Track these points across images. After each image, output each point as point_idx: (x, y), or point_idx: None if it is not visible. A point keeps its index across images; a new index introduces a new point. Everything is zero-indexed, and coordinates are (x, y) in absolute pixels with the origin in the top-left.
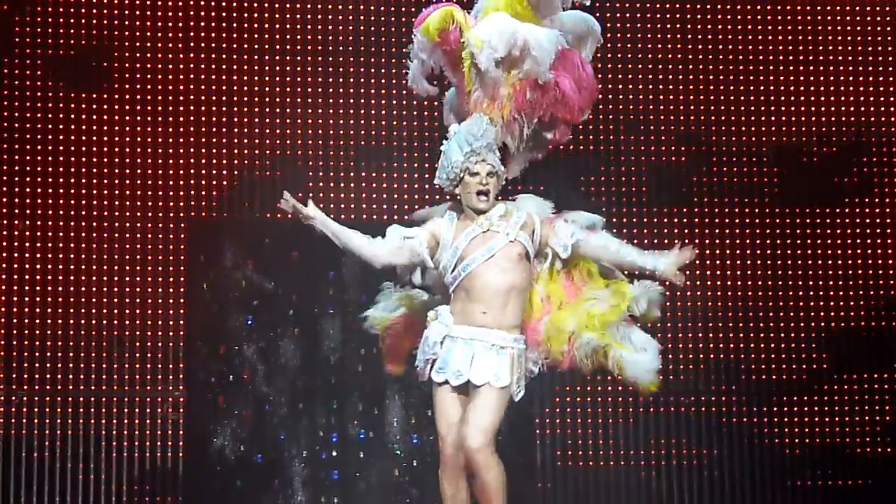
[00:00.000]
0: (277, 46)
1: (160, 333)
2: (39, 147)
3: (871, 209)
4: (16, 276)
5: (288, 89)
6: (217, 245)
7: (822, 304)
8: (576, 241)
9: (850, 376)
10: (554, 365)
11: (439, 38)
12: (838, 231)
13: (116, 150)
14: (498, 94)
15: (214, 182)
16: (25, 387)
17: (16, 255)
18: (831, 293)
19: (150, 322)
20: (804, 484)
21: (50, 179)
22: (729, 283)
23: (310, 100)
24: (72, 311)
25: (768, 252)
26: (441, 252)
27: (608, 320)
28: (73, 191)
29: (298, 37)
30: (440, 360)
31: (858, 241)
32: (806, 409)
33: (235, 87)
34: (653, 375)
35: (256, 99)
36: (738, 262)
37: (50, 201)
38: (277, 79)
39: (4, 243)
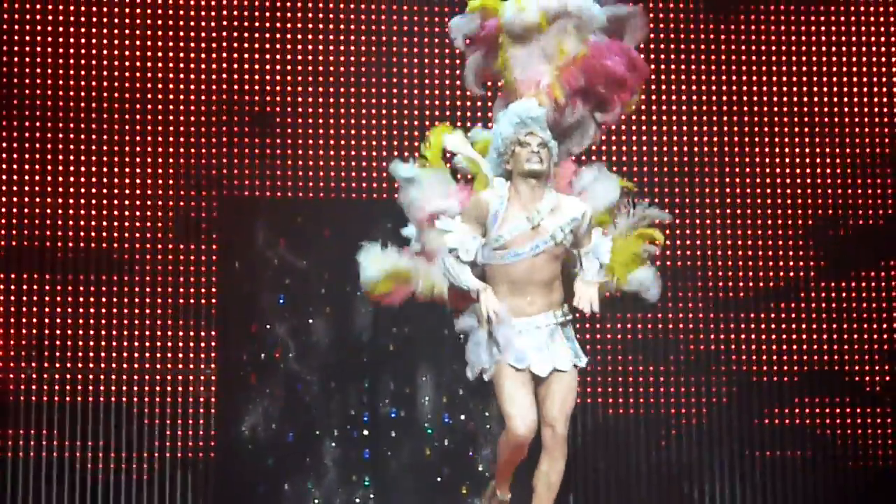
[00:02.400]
0: (311, 26)
1: (192, 311)
2: (82, 115)
3: None
4: (47, 256)
5: (321, 68)
6: (250, 224)
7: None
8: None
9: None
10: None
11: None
12: None
13: (150, 128)
14: (542, 81)
15: (247, 160)
16: (57, 364)
17: (51, 229)
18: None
19: (182, 300)
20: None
21: (83, 158)
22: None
23: (342, 79)
24: (104, 289)
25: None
26: (489, 227)
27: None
28: (105, 169)
29: (331, 15)
30: (513, 354)
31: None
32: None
33: (268, 67)
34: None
35: (289, 78)
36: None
37: (83, 179)
38: (310, 58)
39: (37, 221)
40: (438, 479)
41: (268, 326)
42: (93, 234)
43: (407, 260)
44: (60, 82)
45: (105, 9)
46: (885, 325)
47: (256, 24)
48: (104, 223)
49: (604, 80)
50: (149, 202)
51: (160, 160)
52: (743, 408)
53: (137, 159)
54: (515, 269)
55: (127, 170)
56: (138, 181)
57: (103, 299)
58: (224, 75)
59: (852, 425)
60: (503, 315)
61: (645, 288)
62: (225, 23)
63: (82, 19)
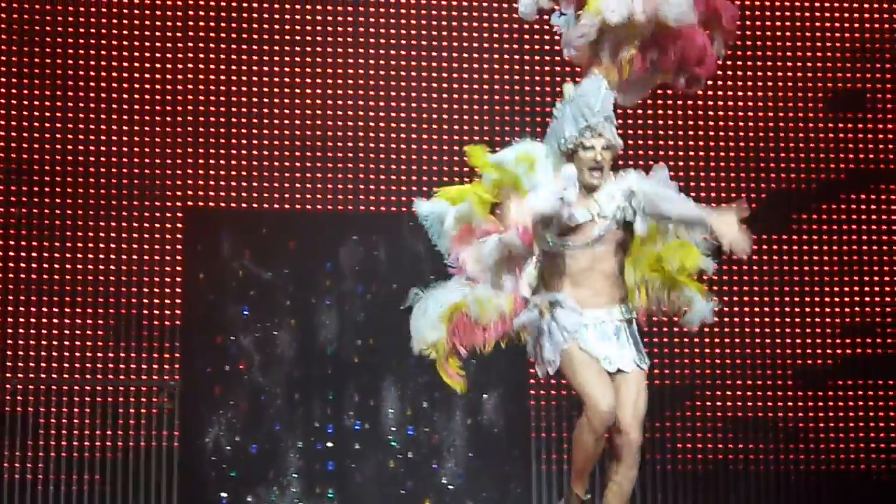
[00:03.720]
0: (276, 37)
1: (157, 323)
2: (36, 136)
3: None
4: (12, 265)
5: (286, 80)
6: (215, 235)
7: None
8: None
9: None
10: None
11: None
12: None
13: (115, 139)
14: (620, 54)
15: (213, 172)
16: (20, 375)
17: (12, 243)
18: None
19: (146, 311)
20: None
21: (47, 168)
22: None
23: (308, 91)
24: (68, 299)
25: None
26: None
27: (685, 266)
28: (70, 179)
29: (297, 27)
30: (583, 341)
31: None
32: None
33: (234, 78)
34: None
35: (255, 89)
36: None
37: (47, 189)
38: (276, 69)
39: (0, 231)
40: (402, 491)
41: (232, 338)
42: (56, 244)
43: (451, 294)
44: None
45: (71, 18)
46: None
47: (223, 34)
48: (68, 233)
49: (677, 60)
50: (114, 213)
51: (125, 170)
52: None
53: (102, 169)
54: (579, 260)
55: (91, 180)
56: (102, 192)
57: (66, 310)
58: (189, 86)
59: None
60: (565, 299)
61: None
62: (191, 33)
63: (37, 28)
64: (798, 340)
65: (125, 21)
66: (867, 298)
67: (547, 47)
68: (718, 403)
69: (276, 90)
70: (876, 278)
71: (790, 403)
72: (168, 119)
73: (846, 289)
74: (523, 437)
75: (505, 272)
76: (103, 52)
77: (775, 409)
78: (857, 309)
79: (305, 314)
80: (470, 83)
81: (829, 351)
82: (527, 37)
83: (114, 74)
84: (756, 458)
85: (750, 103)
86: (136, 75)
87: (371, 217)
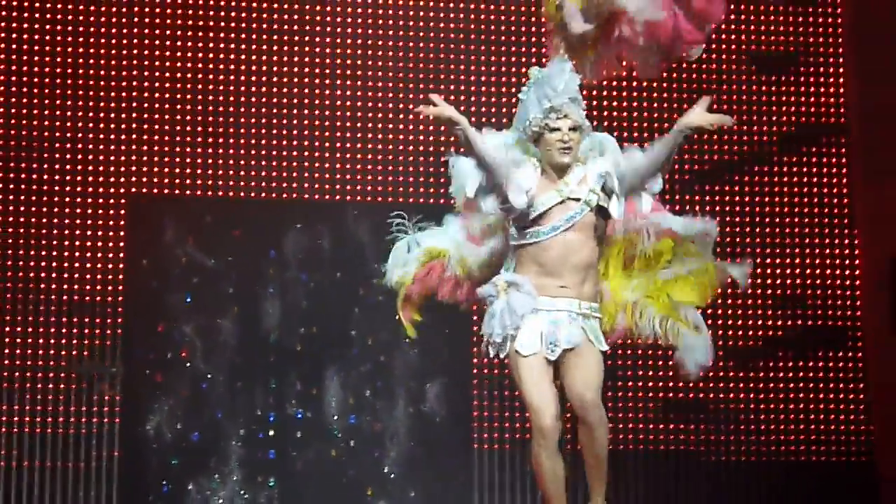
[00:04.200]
0: (220, 22)
1: (98, 310)
2: None
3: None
4: None
5: (231, 66)
6: (158, 222)
7: None
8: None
9: None
10: (606, 332)
11: None
12: None
13: (57, 124)
14: (586, 34)
15: (156, 159)
16: None
17: None
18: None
19: (88, 298)
20: None
21: None
22: None
23: (254, 77)
24: (9, 285)
25: None
26: (516, 196)
27: (688, 301)
28: (12, 164)
29: (241, 14)
30: (525, 333)
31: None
32: None
33: (179, 64)
34: (700, 367)
35: (200, 75)
36: None
37: None
38: (221, 55)
39: None
40: (344, 480)
41: (175, 325)
42: None
43: (438, 240)
44: None
45: (4, 2)
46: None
47: (168, 21)
48: (10, 219)
49: (652, 32)
50: (56, 199)
51: (68, 156)
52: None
53: (45, 155)
54: (550, 250)
55: (35, 165)
56: (45, 177)
57: (7, 296)
58: (135, 72)
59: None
60: (524, 283)
61: (689, 353)
62: (136, 19)
63: None
64: (729, 315)
65: (66, 4)
66: (797, 270)
67: (493, 37)
68: (650, 384)
69: (220, 76)
70: (807, 250)
71: (721, 384)
72: (112, 105)
73: (777, 260)
74: (465, 426)
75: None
76: (42, 37)
77: (706, 391)
78: (788, 282)
79: (248, 302)
80: (416, 71)
81: (760, 327)
82: (473, 26)
83: (55, 59)
84: (686, 439)
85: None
86: (79, 60)
87: (315, 205)
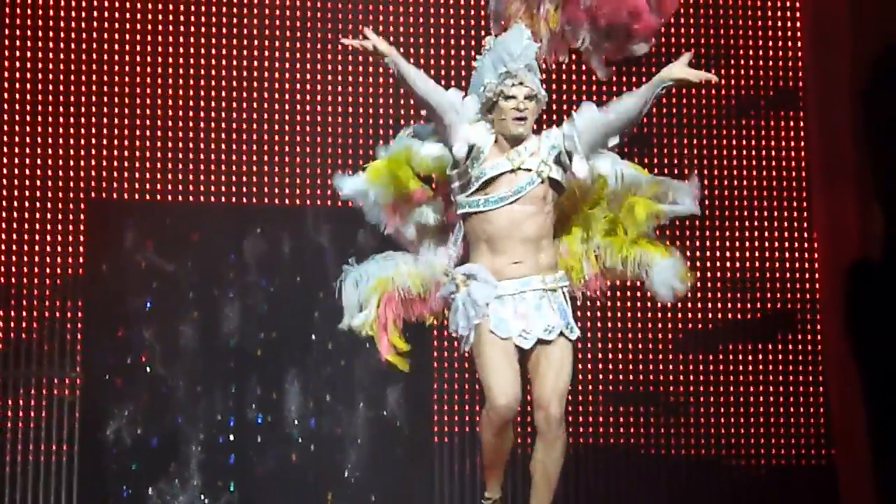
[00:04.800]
0: (175, 26)
1: (58, 315)
2: None
3: None
4: None
5: (190, 69)
6: (117, 226)
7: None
8: (572, 136)
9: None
10: (578, 287)
11: None
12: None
13: (17, 129)
14: (542, 3)
15: (116, 163)
16: None
17: None
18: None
19: (47, 303)
20: None
21: None
22: None
23: (213, 81)
24: None
25: None
26: (459, 145)
27: (643, 222)
28: None
29: (195, 18)
30: (497, 319)
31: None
32: None
33: (138, 68)
34: (675, 291)
35: (159, 80)
36: None
37: None
38: (179, 58)
39: None
40: (304, 484)
41: (134, 330)
42: None
43: (381, 268)
44: None
45: None
46: None
47: (126, 24)
48: None
49: (615, 6)
50: (15, 203)
51: (27, 161)
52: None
53: (3, 160)
54: (496, 221)
55: None
56: (4, 182)
57: None
58: (93, 76)
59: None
60: (480, 271)
61: (662, 280)
62: (95, 23)
63: None
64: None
65: (24, 10)
66: (753, 253)
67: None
68: (601, 376)
69: (180, 80)
70: (767, 233)
71: (672, 372)
72: (71, 109)
73: (728, 243)
74: (426, 430)
75: (431, 240)
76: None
77: (656, 384)
78: (739, 265)
79: (208, 306)
80: (376, 76)
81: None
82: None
83: (13, 64)
84: (637, 432)
85: None
86: (37, 64)
87: (275, 210)
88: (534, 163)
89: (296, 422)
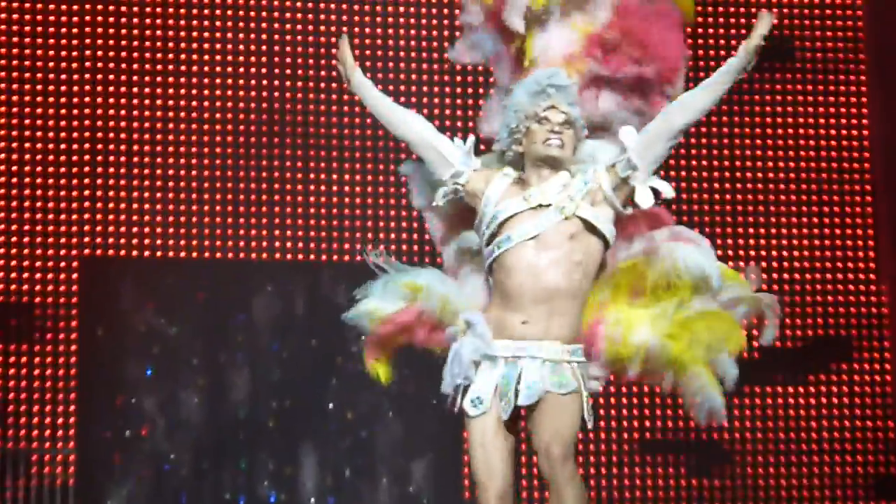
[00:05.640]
0: (179, 70)
1: (49, 384)
2: None
3: None
4: None
5: (193, 116)
6: (114, 286)
7: None
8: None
9: None
10: (617, 379)
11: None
12: None
13: (5, 181)
14: (570, 51)
15: (112, 217)
16: None
17: None
18: None
19: (38, 371)
20: None
21: None
22: None
23: (217, 127)
24: None
25: None
26: (483, 207)
27: (719, 341)
28: None
29: (195, 63)
30: (476, 387)
31: None
32: None
33: (136, 113)
34: (714, 419)
35: (158, 126)
36: None
37: None
38: (182, 105)
39: None
40: None
41: (133, 400)
42: None
43: (419, 277)
44: None
45: None
46: None
47: (122, 76)
48: None
49: (639, 47)
50: (3, 262)
51: (13, 215)
52: None
53: None
54: (512, 266)
55: None
56: None
57: None
58: (86, 122)
59: None
60: (478, 323)
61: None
62: (87, 64)
63: None
64: None
65: (18, 50)
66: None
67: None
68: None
69: (181, 127)
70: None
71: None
72: (62, 158)
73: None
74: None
75: (471, 266)
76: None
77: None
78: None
79: (215, 373)
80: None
81: None
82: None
83: (6, 109)
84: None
85: None
86: (27, 110)
87: (288, 266)
88: (556, 198)
89: (312, 500)
